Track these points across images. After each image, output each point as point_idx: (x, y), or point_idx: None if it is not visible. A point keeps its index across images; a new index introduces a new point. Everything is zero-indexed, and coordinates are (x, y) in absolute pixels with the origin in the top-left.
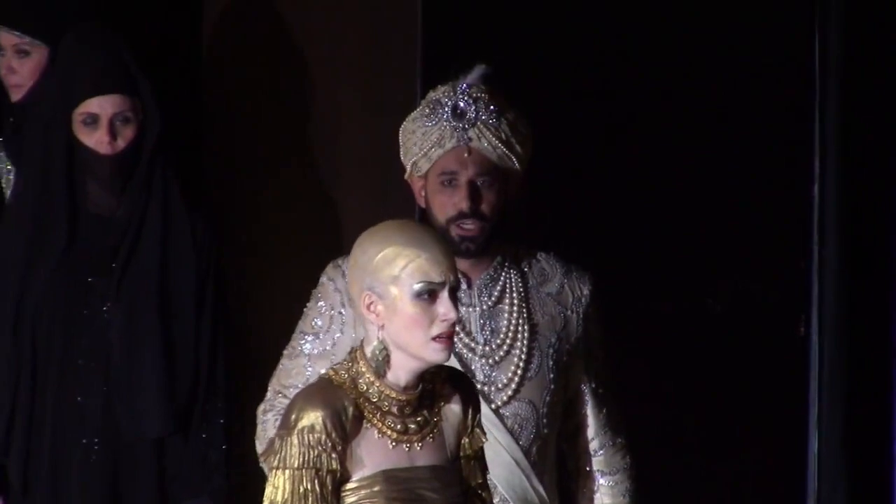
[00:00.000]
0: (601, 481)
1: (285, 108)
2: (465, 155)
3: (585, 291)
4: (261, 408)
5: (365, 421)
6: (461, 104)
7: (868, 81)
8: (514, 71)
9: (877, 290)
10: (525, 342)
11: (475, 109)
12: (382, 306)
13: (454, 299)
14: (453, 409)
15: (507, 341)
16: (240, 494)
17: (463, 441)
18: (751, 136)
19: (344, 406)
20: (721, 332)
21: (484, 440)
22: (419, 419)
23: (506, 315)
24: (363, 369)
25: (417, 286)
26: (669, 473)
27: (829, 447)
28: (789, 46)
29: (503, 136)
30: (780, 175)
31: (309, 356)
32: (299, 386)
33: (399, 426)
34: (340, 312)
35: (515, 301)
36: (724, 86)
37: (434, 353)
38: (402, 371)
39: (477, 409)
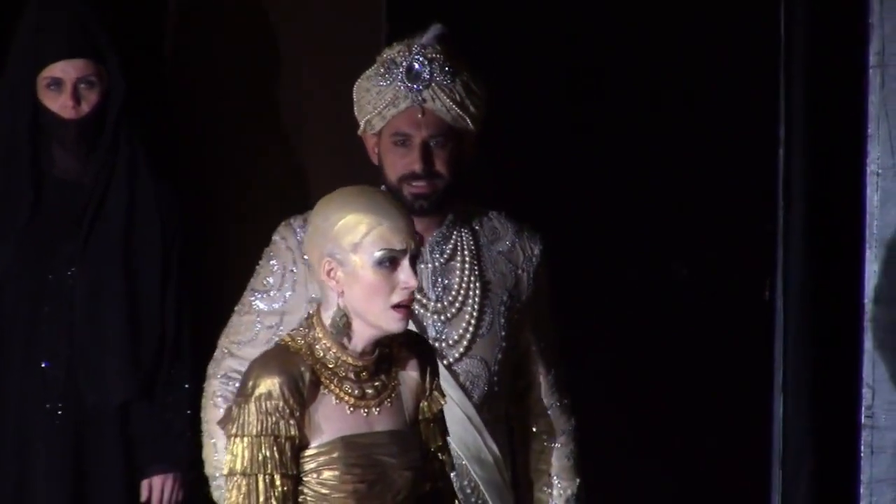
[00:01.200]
0: (547, 443)
1: (251, 73)
2: (419, 116)
3: (536, 251)
4: (209, 367)
5: (322, 387)
6: (416, 65)
7: (833, 44)
8: (476, 33)
9: (842, 253)
10: (477, 299)
11: (430, 70)
12: (342, 273)
13: (414, 267)
14: (411, 373)
15: (460, 298)
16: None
17: (422, 404)
18: (716, 99)
19: (301, 372)
20: (686, 295)
21: (443, 402)
22: (377, 384)
23: (457, 272)
24: (320, 335)
25: (379, 254)
26: (633, 438)
27: (795, 411)
28: (755, 10)
29: (457, 97)
30: (745, 138)
31: (259, 313)
32: (247, 342)
33: (356, 391)
34: (292, 270)
35: (467, 259)
36: (689, 50)
37: (392, 322)
38: (359, 338)
39: (435, 372)
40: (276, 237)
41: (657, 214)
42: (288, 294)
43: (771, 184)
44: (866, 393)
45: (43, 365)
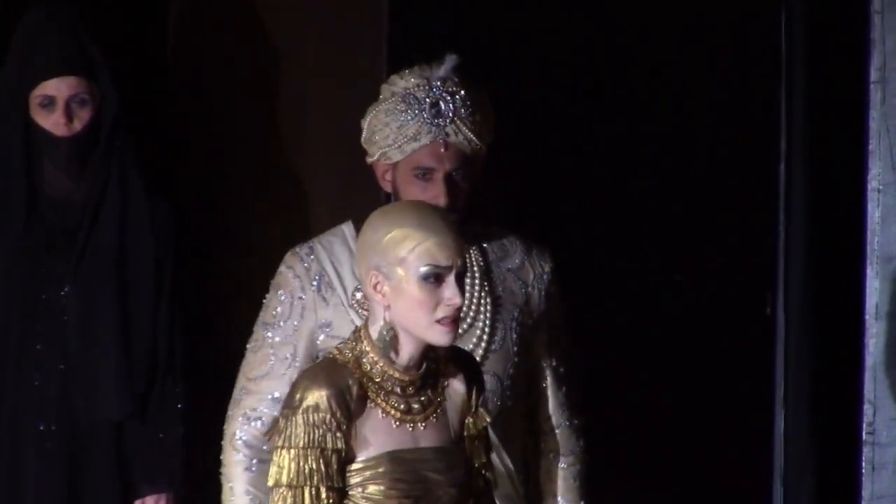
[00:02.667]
0: (554, 462)
1: (250, 92)
2: (442, 150)
3: (547, 268)
4: (229, 408)
5: (369, 401)
6: (441, 104)
7: (834, 60)
8: (479, 50)
9: (843, 269)
10: (488, 315)
11: (452, 105)
12: (388, 287)
13: (461, 284)
14: (457, 388)
15: (471, 314)
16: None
17: (467, 421)
18: (718, 114)
19: (348, 385)
20: (687, 309)
21: (487, 419)
22: (423, 399)
23: (468, 289)
24: (367, 349)
25: (424, 269)
26: (633, 451)
27: (796, 427)
28: (756, 24)
29: (476, 127)
30: (746, 152)
31: (272, 346)
32: (263, 377)
33: (402, 406)
34: (300, 297)
35: (477, 275)
36: (691, 63)
37: (438, 336)
38: (405, 351)
39: (481, 389)
40: (282, 268)
41: (659, 228)
42: (296, 323)
43: (772, 199)
44: (867, 409)
45: (36, 384)
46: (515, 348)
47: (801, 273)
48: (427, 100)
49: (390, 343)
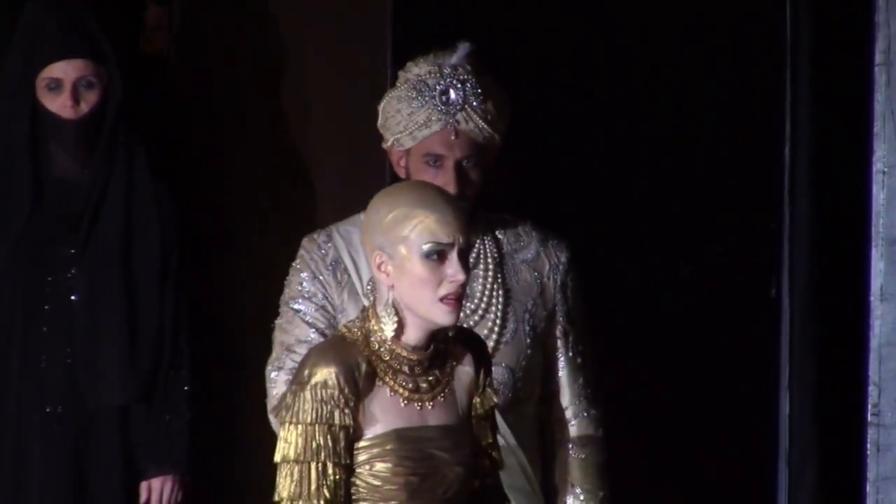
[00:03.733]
0: (572, 452)
1: (253, 89)
2: (453, 137)
3: (563, 259)
4: (268, 368)
5: (377, 378)
6: (451, 92)
7: (839, 42)
8: (483, 41)
9: (848, 251)
10: (500, 307)
11: (463, 93)
12: (392, 266)
13: (464, 261)
14: (465, 368)
15: (482, 305)
16: (215, 463)
17: (474, 400)
18: (722, 98)
19: (357, 362)
20: (692, 293)
21: (495, 400)
22: (430, 378)
23: (480, 280)
24: (375, 327)
25: (426, 246)
26: (638, 436)
27: (801, 409)
28: (761, 8)
29: (488, 116)
30: (751, 136)
31: (306, 314)
32: (303, 338)
33: (410, 385)
34: (320, 278)
35: (490, 267)
36: (694, 48)
37: (442, 315)
38: (412, 330)
39: (489, 370)
40: (301, 251)
41: (662, 213)
42: (321, 296)
43: (777, 182)
44: (872, 391)
45: (42, 366)
46: (528, 341)
47: (806, 255)
48: (438, 87)
49: (396, 322)
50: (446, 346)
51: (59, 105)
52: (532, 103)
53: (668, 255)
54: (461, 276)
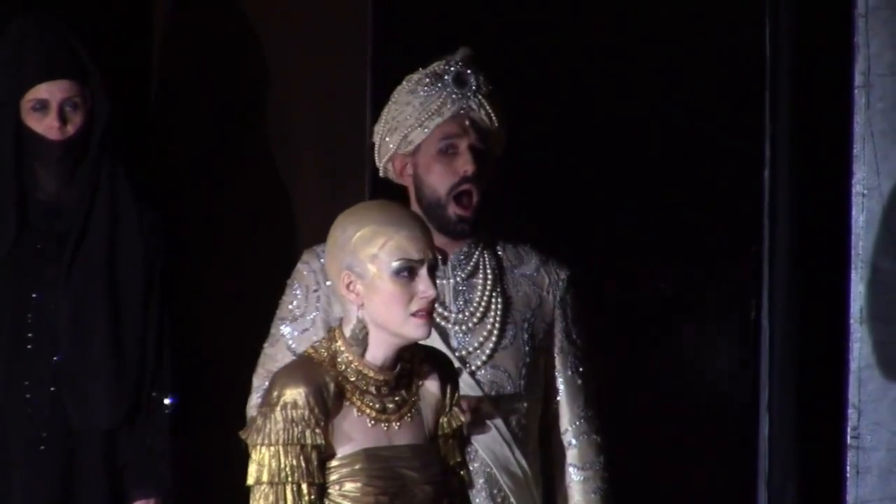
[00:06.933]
0: (573, 475)
1: (237, 97)
2: (466, 122)
3: (563, 276)
4: (250, 400)
5: (345, 399)
6: (464, 76)
7: (818, 64)
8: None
9: (828, 274)
10: (499, 313)
11: (475, 80)
12: (362, 285)
13: (433, 277)
14: (431, 388)
15: (480, 309)
16: (199, 486)
17: (441, 420)
18: (702, 119)
19: (325, 382)
20: (672, 315)
21: (462, 419)
22: (397, 399)
23: (479, 288)
24: (342, 348)
25: (396, 264)
26: (619, 457)
27: (780, 431)
28: (741, 29)
29: (496, 109)
30: (731, 159)
31: (290, 338)
32: None
33: (377, 405)
34: (315, 290)
35: (489, 275)
36: (676, 71)
37: (414, 330)
38: (380, 350)
39: (455, 388)
40: (299, 265)
41: (644, 235)
42: (313, 315)
43: (757, 204)
44: (852, 413)
45: (26, 389)
46: (527, 348)
47: (786, 278)
48: (449, 73)
49: (362, 341)
50: (412, 365)
51: (45, 126)
52: (514, 124)
53: (650, 276)
54: (432, 292)
